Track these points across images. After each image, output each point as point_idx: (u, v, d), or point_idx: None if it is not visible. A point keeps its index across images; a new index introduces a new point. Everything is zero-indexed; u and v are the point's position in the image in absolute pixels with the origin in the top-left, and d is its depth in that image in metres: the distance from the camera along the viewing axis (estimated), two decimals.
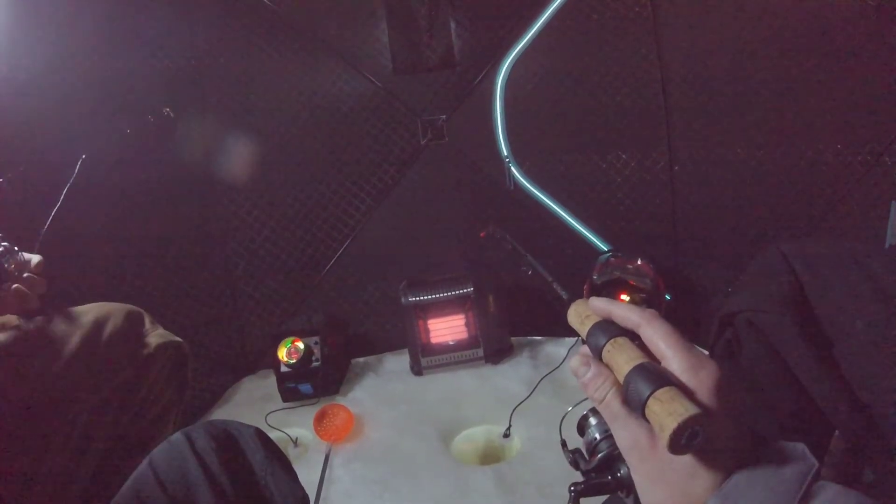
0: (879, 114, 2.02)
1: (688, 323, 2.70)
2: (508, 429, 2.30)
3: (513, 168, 2.69)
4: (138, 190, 2.27)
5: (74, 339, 1.27)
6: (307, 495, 1.15)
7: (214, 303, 2.68)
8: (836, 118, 2.12)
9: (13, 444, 1.11)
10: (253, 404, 2.58)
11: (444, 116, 2.71)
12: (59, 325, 1.29)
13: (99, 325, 1.32)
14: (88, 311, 1.35)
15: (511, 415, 2.32)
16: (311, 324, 2.56)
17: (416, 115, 2.71)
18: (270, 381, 2.60)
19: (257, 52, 2.60)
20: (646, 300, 2.50)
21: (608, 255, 2.62)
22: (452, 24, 2.65)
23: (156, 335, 1.40)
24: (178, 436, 1.08)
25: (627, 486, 0.80)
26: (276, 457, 1.14)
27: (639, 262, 2.54)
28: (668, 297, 2.59)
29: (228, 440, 1.11)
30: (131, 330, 1.38)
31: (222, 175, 2.61)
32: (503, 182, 2.70)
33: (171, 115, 2.15)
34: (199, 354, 2.59)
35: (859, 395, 1.07)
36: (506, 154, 2.69)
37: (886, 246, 1.93)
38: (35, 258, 1.20)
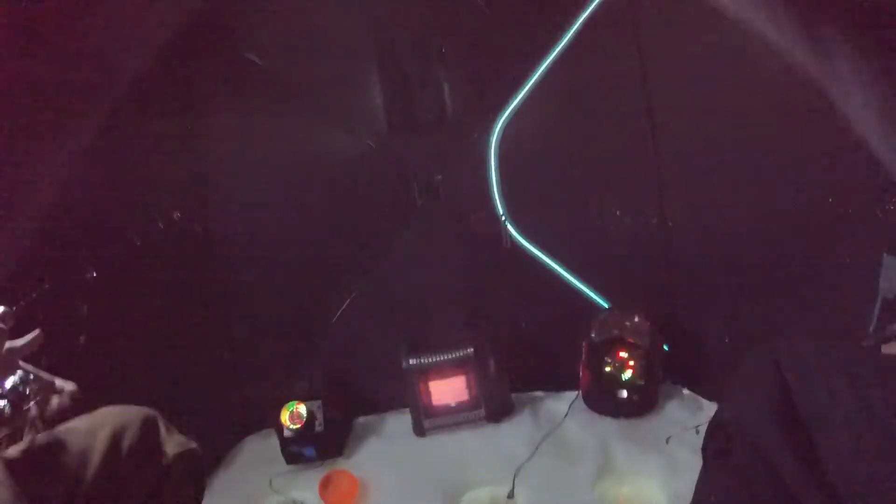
0: (868, 165, 2.06)
1: (685, 371, 2.75)
2: (512, 490, 2.33)
3: (508, 226, 2.72)
4: (136, 260, 2.29)
5: (95, 458, 1.28)
6: None
7: (215, 365, 2.69)
8: (826, 172, 2.16)
9: None
10: (257, 467, 2.59)
11: (439, 177, 2.74)
12: (76, 442, 1.30)
13: (116, 438, 1.33)
14: (104, 424, 1.36)
15: (514, 477, 2.35)
16: (313, 387, 2.58)
17: (411, 176, 2.74)
18: (273, 442, 2.61)
19: (249, 116, 2.62)
20: (644, 356, 2.55)
21: (606, 312, 2.66)
22: (445, 86, 2.68)
23: (172, 443, 1.42)
24: None
25: None
26: None
27: (636, 319, 2.58)
28: (665, 347, 2.64)
29: None
30: (148, 440, 1.39)
31: (220, 242, 2.63)
32: (501, 240, 2.73)
33: (180, 218, 2.17)
34: (202, 417, 2.59)
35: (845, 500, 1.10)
36: (501, 213, 2.72)
37: (879, 298, 1.97)
38: (69, 385, 1.22)
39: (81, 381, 2.03)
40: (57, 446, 1.28)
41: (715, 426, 1.28)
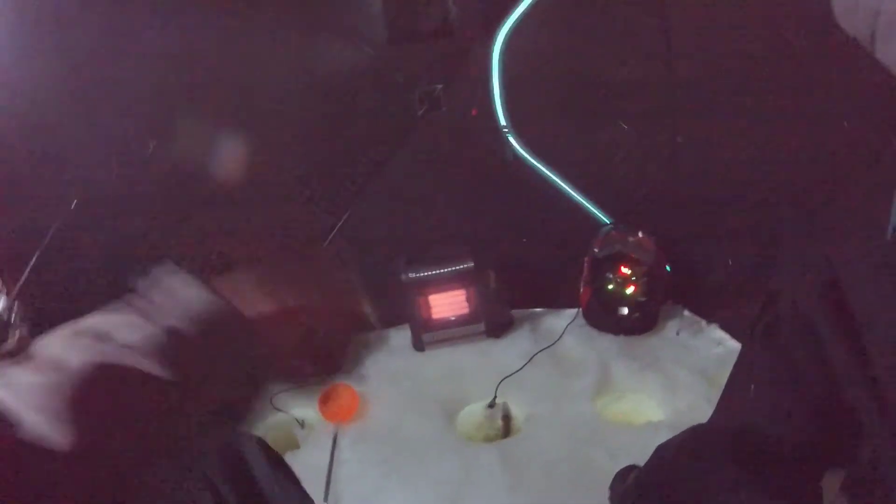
0: (886, 96, 1.98)
1: (687, 293, 2.72)
2: (493, 399, 2.34)
3: (511, 139, 2.64)
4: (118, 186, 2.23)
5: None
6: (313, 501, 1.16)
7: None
8: (843, 100, 2.08)
9: None
10: None
11: (440, 86, 2.64)
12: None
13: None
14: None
15: (497, 387, 2.37)
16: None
17: (412, 86, 2.64)
18: None
19: (239, 29, 2.48)
20: (646, 273, 2.51)
21: (609, 228, 2.60)
22: None
23: None
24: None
25: None
26: (280, 466, 1.15)
27: (640, 236, 2.54)
28: (668, 268, 2.60)
29: (234, 455, 1.10)
30: None
31: (215, 162, 2.54)
32: (502, 153, 2.65)
33: (154, 147, 2.17)
34: None
35: (887, 396, 1.07)
36: (504, 124, 2.63)
37: (890, 230, 1.92)
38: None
39: (69, 307, 2.02)
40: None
41: (766, 301, 1.23)
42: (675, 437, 1.21)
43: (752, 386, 1.26)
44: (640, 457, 1.85)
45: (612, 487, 1.88)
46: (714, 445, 1.18)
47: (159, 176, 2.42)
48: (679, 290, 2.70)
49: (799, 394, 1.17)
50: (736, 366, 1.34)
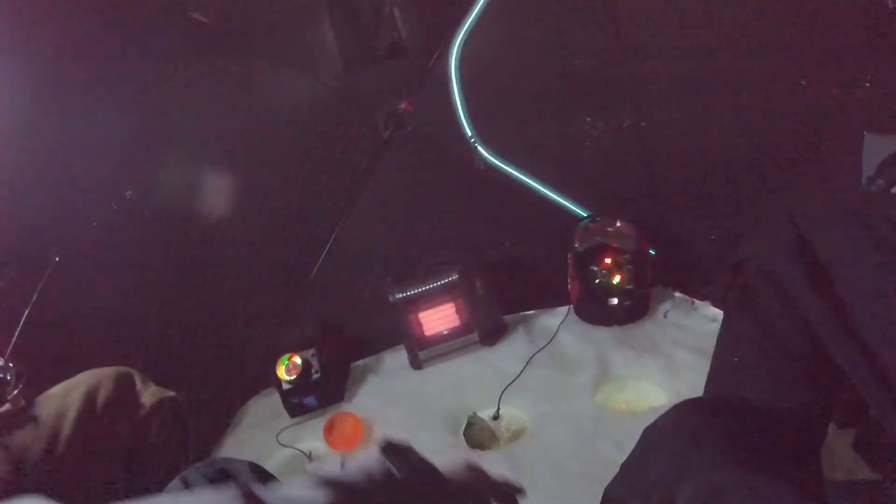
0: (848, 47, 2.00)
1: (674, 272, 2.73)
2: (497, 411, 2.35)
3: (479, 147, 2.66)
4: (100, 239, 2.24)
5: (70, 416, 1.28)
6: None
7: (206, 331, 2.66)
8: (799, 57, 2.10)
9: None
10: (262, 424, 2.60)
11: (402, 106, 2.67)
12: (52, 404, 1.30)
13: (91, 396, 1.33)
14: (77, 385, 1.35)
15: (500, 397, 2.37)
16: (306, 336, 2.57)
17: (374, 109, 2.67)
18: (275, 398, 2.61)
19: (201, 75, 2.52)
20: (630, 260, 2.52)
21: (587, 221, 2.61)
22: (397, 12, 2.58)
23: (149, 394, 1.41)
24: (175, 482, 1.09)
25: None
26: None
27: (618, 224, 2.54)
28: (652, 251, 2.61)
29: (224, 479, 1.11)
30: (124, 393, 1.39)
31: (193, 208, 2.57)
32: (473, 163, 2.67)
33: (132, 195, 2.19)
34: (203, 385, 2.58)
35: (868, 343, 1.05)
36: (470, 134, 2.66)
37: (864, 178, 1.92)
38: None
39: (64, 364, 2.03)
40: (34, 411, 1.27)
41: (733, 271, 1.21)
42: (659, 418, 1.19)
43: (736, 358, 1.25)
44: None
45: None
46: (698, 422, 1.16)
47: (140, 224, 2.43)
48: (666, 272, 2.70)
49: (783, 356, 1.16)
50: (719, 339, 1.33)
